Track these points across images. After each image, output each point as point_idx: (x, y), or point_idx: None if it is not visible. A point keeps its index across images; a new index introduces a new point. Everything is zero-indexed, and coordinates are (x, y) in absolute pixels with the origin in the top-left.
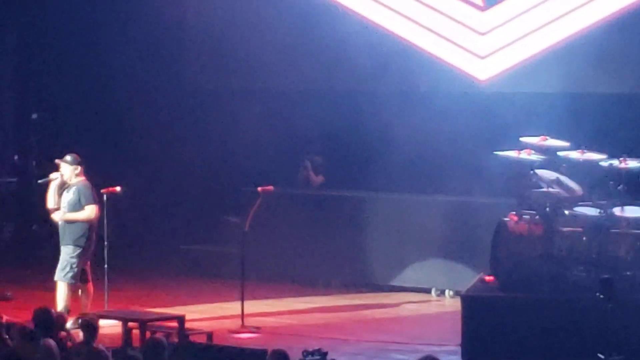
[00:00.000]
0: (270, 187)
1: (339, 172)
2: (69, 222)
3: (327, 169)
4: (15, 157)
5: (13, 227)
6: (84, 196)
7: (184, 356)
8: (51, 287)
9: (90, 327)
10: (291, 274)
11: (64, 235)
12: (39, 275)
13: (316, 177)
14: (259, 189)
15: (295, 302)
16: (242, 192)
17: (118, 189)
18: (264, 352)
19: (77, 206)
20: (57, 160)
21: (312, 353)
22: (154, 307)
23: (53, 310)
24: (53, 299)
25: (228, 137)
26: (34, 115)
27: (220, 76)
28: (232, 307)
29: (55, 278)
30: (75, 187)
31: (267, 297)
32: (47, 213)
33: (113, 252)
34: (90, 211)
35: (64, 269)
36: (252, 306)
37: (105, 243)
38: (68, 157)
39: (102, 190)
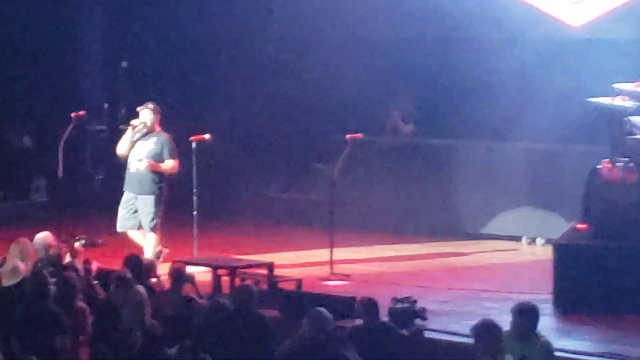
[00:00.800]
0: (360, 135)
1: (430, 119)
2: (150, 172)
3: (417, 117)
4: (105, 106)
5: (103, 175)
6: (168, 149)
7: (273, 303)
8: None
9: (178, 275)
10: (380, 222)
11: (144, 184)
12: None
13: (406, 126)
14: (348, 136)
15: (385, 250)
16: (331, 140)
17: (207, 136)
18: (353, 299)
19: (157, 157)
20: (139, 108)
21: (402, 300)
22: (243, 254)
23: (143, 258)
24: (140, 249)
25: (318, 85)
26: (124, 63)
27: (311, 24)
28: (321, 255)
29: (144, 228)
30: (157, 137)
31: (356, 245)
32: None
33: (202, 200)
34: (174, 164)
35: (152, 220)
36: (341, 254)
37: (194, 190)
38: (150, 105)
39: (191, 138)
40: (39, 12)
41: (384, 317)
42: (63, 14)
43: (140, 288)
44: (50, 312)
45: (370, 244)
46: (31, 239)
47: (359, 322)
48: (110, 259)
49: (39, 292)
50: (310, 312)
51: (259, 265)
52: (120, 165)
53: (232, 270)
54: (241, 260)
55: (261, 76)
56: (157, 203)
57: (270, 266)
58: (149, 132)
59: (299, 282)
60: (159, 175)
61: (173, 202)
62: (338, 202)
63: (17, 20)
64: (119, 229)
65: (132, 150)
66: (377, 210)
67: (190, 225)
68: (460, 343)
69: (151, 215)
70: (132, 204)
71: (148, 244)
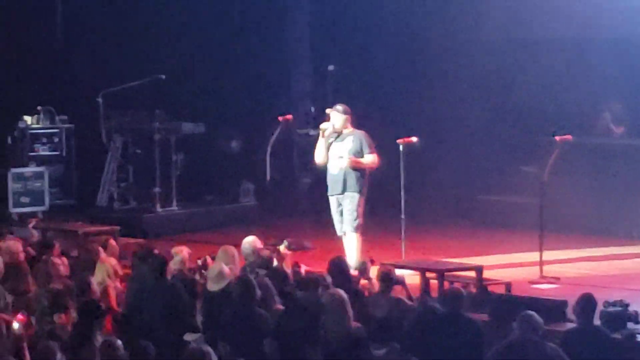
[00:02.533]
0: (569, 137)
1: None
2: (352, 170)
3: (629, 118)
4: (312, 109)
5: (310, 179)
6: (367, 144)
7: (483, 306)
8: None
9: (387, 277)
10: (591, 225)
11: (347, 183)
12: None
13: (617, 128)
14: (557, 138)
15: (595, 253)
16: (539, 142)
17: (414, 139)
18: (564, 302)
19: (358, 154)
20: (328, 110)
21: (614, 304)
22: (452, 257)
23: (348, 260)
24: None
25: (525, 85)
26: (330, 67)
27: (521, 25)
28: (531, 257)
29: (345, 230)
30: (352, 135)
31: (566, 248)
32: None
33: (410, 203)
34: (374, 159)
35: (355, 219)
36: (551, 256)
37: (402, 193)
38: (339, 107)
39: (398, 140)
40: (248, 18)
41: (596, 320)
42: (271, 18)
43: (338, 291)
44: (257, 316)
45: (580, 247)
46: (239, 243)
47: (569, 325)
48: (319, 262)
49: (246, 296)
50: (521, 316)
51: (468, 268)
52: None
53: (441, 274)
54: (449, 263)
55: (467, 79)
56: (360, 201)
57: (479, 269)
58: (341, 133)
59: (508, 285)
60: (361, 173)
61: (380, 205)
62: (547, 204)
63: (226, 25)
64: (338, 232)
65: (330, 153)
66: (587, 212)
67: (398, 228)
68: None
69: (354, 214)
70: (340, 206)
71: (351, 244)
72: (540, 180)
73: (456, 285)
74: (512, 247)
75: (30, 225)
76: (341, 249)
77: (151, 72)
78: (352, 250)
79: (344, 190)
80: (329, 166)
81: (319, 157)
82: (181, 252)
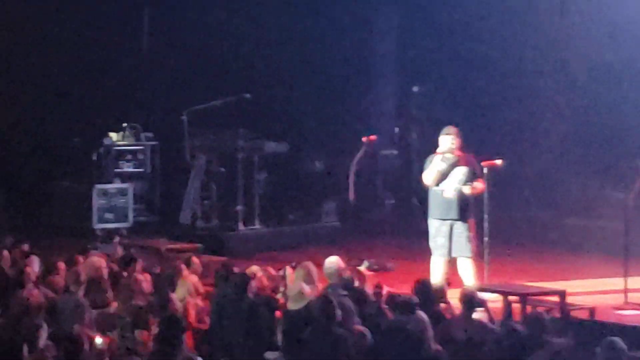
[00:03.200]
0: None
1: None
2: (466, 195)
3: None
4: (396, 130)
5: (394, 200)
6: (478, 170)
7: (566, 331)
8: (428, 259)
9: (469, 300)
10: None
11: (462, 208)
12: (419, 247)
13: None
14: None
15: None
16: (626, 165)
17: (499, 162)
18: None
19: (470, 180)
20: (442, 134)
21: None
22: (535, 281)
23: (433, 283)
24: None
25: (612, 108)
26: (415, 88)
27: (608, 48)
28: (615, 283)
29: (460, 255)
30: (466, 160)
31: None
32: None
33: (494, 226)
34: (483, 185)
35: (471, 244)
36: (637, 282)
37: (486, 216)
38: (452, 129)
39: (482, 163)
40: (333, 38)
41: None
42: (357, 41)
43: (420, 313)
44: (337, 336)
45: None
46: (321, 263)
47: None
48: (402, 283)
49: (326, 316)
50: (604, 342)
51: (551, 292)
52: (412, 191)
53: (523, 297)
54: (532, 287)
55: (553, 100)
56: (472, 227)
57: (562, 294)
58: (455, 157)
59: (592, 310)
60: (471, 199)
61: None
62: (633, 229)
63: (311, 45)
64: (443, 256)
65: (443, 177)
66: None
67: (482, 251)
68: None
69: (469, 240)
70: (451, 230)
71: (467, 269)
72: (626, 204)
73: (539, 309)
74: (597, 272)
75: (115, 241)
76: (425, 270)
77: (236, 91)
78: (469, 274)
79: (460, 216)
80: (440, 189)
81: (428, 178)
82: (256, 273)
